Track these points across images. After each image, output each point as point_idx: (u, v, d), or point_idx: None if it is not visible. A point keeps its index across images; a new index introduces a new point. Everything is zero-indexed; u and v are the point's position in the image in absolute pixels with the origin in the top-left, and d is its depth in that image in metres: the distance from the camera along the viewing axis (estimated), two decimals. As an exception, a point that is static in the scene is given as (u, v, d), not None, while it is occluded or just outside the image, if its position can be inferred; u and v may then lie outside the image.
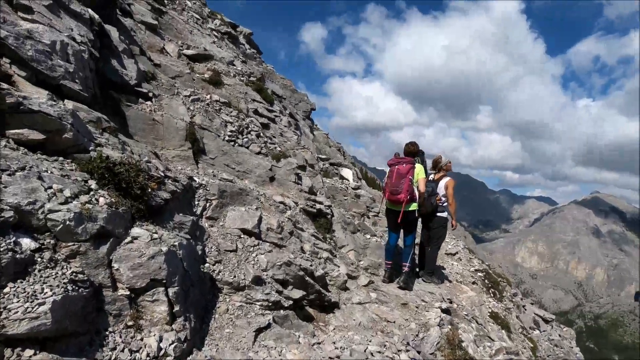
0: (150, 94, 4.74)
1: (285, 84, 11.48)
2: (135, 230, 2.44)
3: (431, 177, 5.96)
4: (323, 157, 9.26)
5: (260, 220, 4.17)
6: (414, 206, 5.23)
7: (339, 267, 5.08)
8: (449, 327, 5.04)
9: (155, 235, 2.49)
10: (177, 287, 2.40)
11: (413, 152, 5.46)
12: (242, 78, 7.53)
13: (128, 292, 2.19)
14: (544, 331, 8.82)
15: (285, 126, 7.73)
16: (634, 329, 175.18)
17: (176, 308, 2.35)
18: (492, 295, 8.58)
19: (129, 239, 2.36)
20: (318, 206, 5.73)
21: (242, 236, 3.84)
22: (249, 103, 6.92)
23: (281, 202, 4.97)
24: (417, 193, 5.20)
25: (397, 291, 5.25)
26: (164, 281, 2.32)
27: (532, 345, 7.88)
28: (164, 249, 2.41)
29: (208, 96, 5.92)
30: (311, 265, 4.19)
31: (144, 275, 2.24)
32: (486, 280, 8.86)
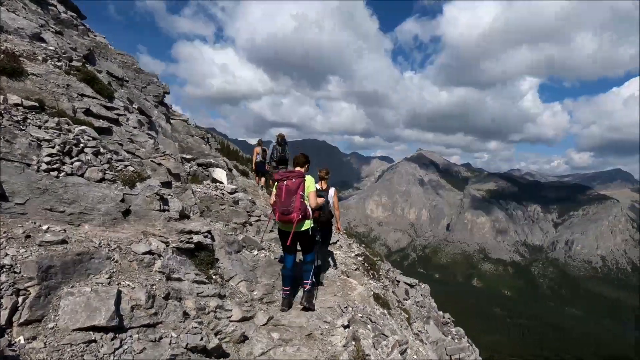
0: None
1: (125, 61, 9.04)
2: None
3: (317, 186, 5.80)
4: (188, 156, 7.78)
5: (118, 298, 2.90)
6: (307, 224, 4.76)
7: (231, 310, 4.23)
8: (353, 343, 4.92)
9: None
10: None
11: (303, 163, 4.95)
12: (58, 62, 5.30)
13: None
14: (412, 297, 10.05)
15: (135, 127, 5.96)
16: (447, 251, 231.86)
17: None
18: (371, 276, 9.16)
19: None
20: (196, 238, 4.58)
21: (92, 339, 2.55)
22: (76, 101, 4.94)
23: (146, 252, 3.68)
24: (310, 210, 4.76)
25: (300, 320, 4.76)
26: None
27: (407, 316, 8.84)
28: None
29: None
30: (201, 339, 3.22)
31: None
32: (365, 264, 9.39)
